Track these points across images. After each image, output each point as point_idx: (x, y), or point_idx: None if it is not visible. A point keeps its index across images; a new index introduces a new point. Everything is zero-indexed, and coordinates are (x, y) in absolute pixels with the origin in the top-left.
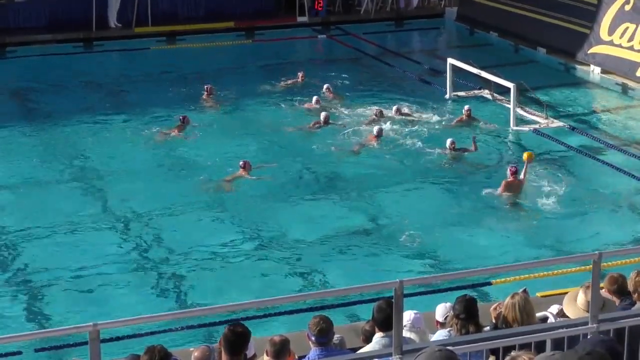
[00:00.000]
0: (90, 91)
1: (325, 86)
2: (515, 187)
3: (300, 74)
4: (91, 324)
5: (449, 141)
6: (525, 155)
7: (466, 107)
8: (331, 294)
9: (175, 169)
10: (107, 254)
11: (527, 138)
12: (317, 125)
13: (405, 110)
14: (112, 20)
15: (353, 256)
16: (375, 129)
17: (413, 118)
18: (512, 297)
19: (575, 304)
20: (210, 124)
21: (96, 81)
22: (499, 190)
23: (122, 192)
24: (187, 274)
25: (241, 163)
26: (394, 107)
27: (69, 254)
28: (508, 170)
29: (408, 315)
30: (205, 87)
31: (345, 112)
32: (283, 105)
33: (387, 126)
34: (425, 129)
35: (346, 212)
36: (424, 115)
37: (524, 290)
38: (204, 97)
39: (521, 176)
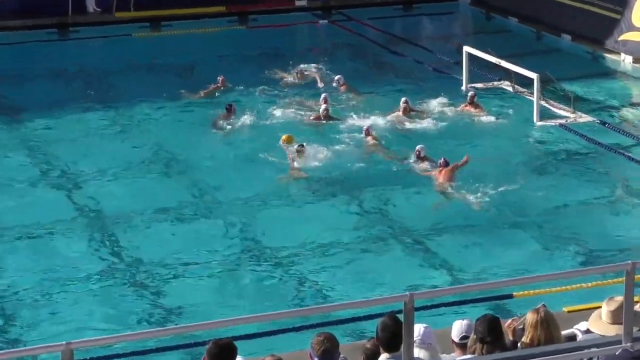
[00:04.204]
0: (64, 83)
1: (336, 77)
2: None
3: (220, 79)
4: (64, 343)
5: (418, 147)
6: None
7: (470, 92)
8: (334, 308)
9: (160, 168)
10: (80, 265)
11: (553, 134)
12: (316, 119)
13: (422, 106)
14: (91, 4)
15: (358, 267)
16: (365, 126)
17: (423, 114)
18: (534, 312)
19: (600, 319)
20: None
21: (72, 72)
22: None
23: (98, 194)
24: (171, 287)
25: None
26: (401, 102)
27: (40, 264)
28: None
29: (417, 330)
30: (219, 78)
31: (359, 106)
32: (281, 100)
33: (394, 123)
34: (437, 126)
35: (349, 217)
36: (437, 111)
37: (543, 306)
38: (212, 87)
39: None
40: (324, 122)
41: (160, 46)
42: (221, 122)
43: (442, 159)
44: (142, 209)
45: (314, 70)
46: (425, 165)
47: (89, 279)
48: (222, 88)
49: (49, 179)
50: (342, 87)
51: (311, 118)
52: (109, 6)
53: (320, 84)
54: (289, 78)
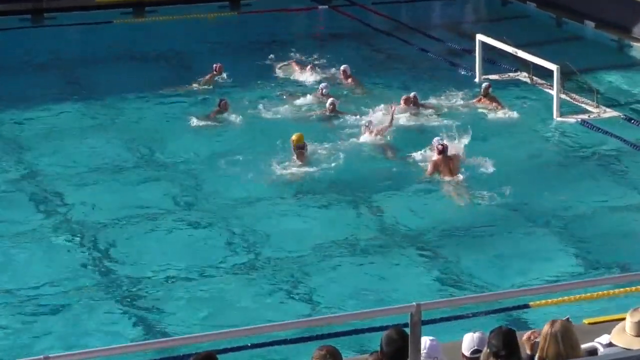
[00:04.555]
0: (39, 74)
1: (341, 68)
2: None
3: (216, 66)
4: (42, 357)
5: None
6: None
7: (485, 84)
8: (336, 320)
9: (144, 168)
10: (59, 273)
11: (574, 130)
12: (322, 114)
13: (431, 100)
14: None
15: (362, 275)
16: (363, 123)
17: (433, 108)
18: (552, 324)
19: (623, 332)
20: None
21: (47, 62)
22: (427, 171)
23: (75, 196)
24: (159, 297)
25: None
26: (410, 96)
27: (16, 272)
28: (435, 147)
29: (423, 343)
30: (214, 66)
31: (365, 101)
32: (276, 94)
33: (401, 118)
34: (448, 121)
35: (351, 221)
36: (447, 105)
37: (567, 320)
38: (208, 77)
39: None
40: (329, 115)
41: (144, 34)
42: (213, 118)
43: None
44: (126, 212)
45: (311, 62)
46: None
47: (68, 290)
48: (218, 77)
49: (20, 178)
50: (348, 80)
51: (316, 113)
52: None
53: (315, 76)
54: (285, 69)
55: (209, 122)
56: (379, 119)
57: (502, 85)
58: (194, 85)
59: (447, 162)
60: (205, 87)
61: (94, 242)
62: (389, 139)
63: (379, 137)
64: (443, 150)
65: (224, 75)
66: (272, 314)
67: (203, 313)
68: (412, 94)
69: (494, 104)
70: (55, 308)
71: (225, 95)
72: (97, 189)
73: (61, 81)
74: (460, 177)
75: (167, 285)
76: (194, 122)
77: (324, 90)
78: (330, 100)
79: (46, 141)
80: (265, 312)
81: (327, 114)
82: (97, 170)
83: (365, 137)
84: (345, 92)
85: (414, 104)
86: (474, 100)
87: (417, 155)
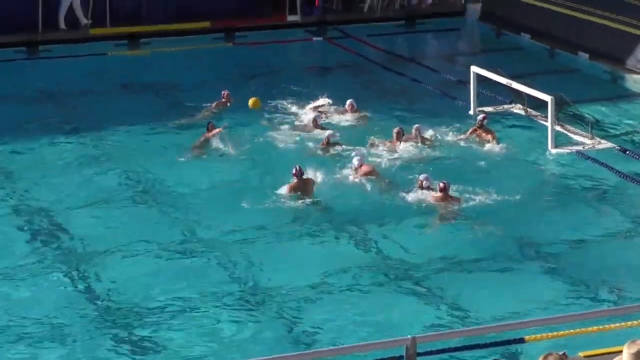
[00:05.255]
0: (34, 106)
1: (348, 102)
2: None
3: (224, 93)
4: None
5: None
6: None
7: (480, 115)
8: (331, 353)
9: (138, 199)
10: (50, 304)
11: (569, 162)
12: (320, 147)
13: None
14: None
15: (355, 307)
16: (356, 158)
17: (426, 140)
18: (546, 358)
19: None
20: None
21: (42, 94)
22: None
23: (71, 227)
24: (151, 329)
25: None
26: (400, 129)
27: (5, 303)
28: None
29: None
30: (223, 92)
31: (366, 133)
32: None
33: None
34: (442, 153)
35: (343, 252)
36: (441, 136)
37: (564, 354)
38: (214, 105)
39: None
40: (325, 149)
41: (138, 65)
42: (204, 143)
43: (442, 183)
44: (119, 244)
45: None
46: (427, 196)
47: (55, 318)
48: (227, 104)
49: (14, 210)
50: (354, 114)
51: (311, 144)
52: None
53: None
54: (278, 101)
55: (202, 150)
56: (374, 152)
57: (497, 117)
58: (204, 112)
59: (446, 201)
60: (215, 111)
61: (85, 273)
62: (382, 174)
63: (367, 169)
64: (445, 189)
65: (232, 100)
66: (264, 348)
67: (196, 345)
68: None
69: (488, 135)
70: (46, 338)
71: (226, 122)
72: (90, 220)
73: (56, 113)
74: (456, 207)
75: (159, 317)
76: (187, 152)
77: (318, 121)
78: (327, 132)
79: (39, 172)
80: (256, 346)
81: (322, 145)
82: (91, 201)
83: (358, 171)
84: (348, 124)
85: (409, 138)
86: (469, 132)
87: (409, 190)
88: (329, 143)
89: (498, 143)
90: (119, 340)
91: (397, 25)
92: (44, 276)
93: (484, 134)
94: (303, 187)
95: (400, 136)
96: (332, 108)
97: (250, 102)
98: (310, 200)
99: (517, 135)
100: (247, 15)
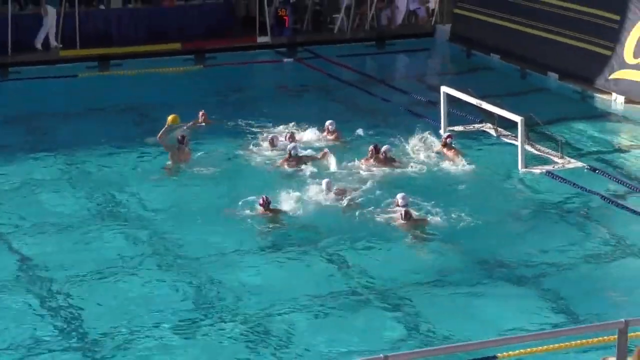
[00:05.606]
0: (3, 128)
1: (327, 123)
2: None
3: (201, 113)
4: None
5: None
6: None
7: (445, 134)
8: None
9: (108, 222)
10: (21, 329)
11: (539, 181)
12: (285, 164)
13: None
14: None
15: (329, 327)
16: (324, 182)
17: (394, 162)
18: None
19: None
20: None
21: (11, 116)
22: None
23: (42, 252)
24: (123, 354)
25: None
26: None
27: None
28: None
29: None
30: (199, 113)
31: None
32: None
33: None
34: (412, 174)
35: (316, 272)
36: (412, 156)
37: None
38: (191, 124)
39: None
40: (293, 166)
41: (109, 87)
42: (175, 161)
43: (403, 210)
44: (91, 266)
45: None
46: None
47: (28, 345)
48: (204, 124)
49: None
50: (332, 135)
51: (279, 162)
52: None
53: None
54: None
55: (172, 170)
56: (343, 175)
57: (467, 137)
58: (179, 132)
59: (412, 224)
60: (189, 131)
61: (57, 296)
62: (352, 194)
63: (341, 192)
64: (407, 215)
65: (209, 120)
66: None
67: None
68: (377, 147)
69: (453, 153)
70: None
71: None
72: (58, 242)
73: (26, 134)
74: (425, 227)
75: (131, 340)
76: (158, 172)
77: (275, 142)
78: (289, 145)
79: (9, 194)
80: None
81: (288, 165)
82: (60, 223)
83: (327, 195)
84: (324, 146)
85: (379, 159)
86: (434, 150)
87: (380, 210)
88: (291, 156)
89: (464, 161)
90: None
91: (367, 45)
92: (8, 302)
93: (448, 153)
94: (271, 217)
95: (373, 154)
96: (310, 130)
97: (170, 118)
98: (279, 225)
99: (487, 155)
100: (218, 36)
